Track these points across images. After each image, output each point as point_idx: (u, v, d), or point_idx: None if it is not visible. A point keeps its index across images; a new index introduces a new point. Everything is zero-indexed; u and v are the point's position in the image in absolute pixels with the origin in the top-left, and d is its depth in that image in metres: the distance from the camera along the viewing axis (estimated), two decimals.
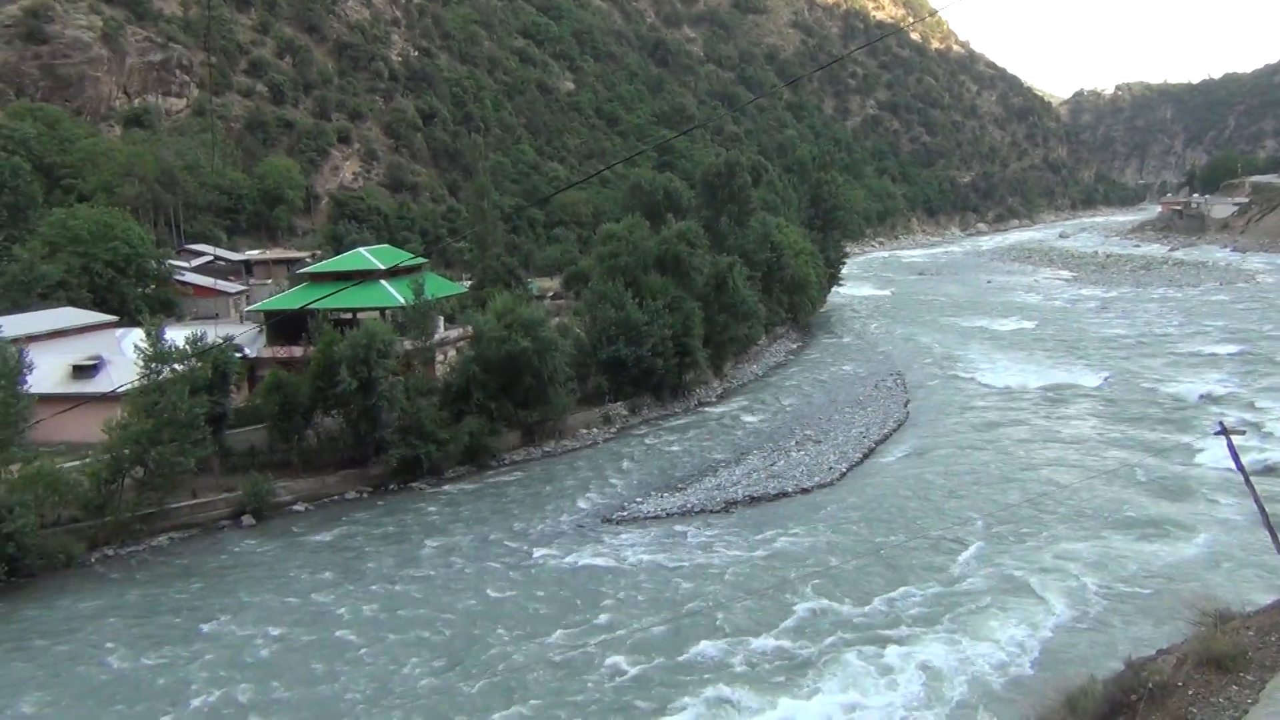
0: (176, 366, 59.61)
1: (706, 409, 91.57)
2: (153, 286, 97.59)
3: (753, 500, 63.53)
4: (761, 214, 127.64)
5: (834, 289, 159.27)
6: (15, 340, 61.53)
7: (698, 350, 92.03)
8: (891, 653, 41.72)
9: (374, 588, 51.33)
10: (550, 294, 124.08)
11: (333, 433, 69.84)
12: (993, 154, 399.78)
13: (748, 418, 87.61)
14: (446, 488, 68.52)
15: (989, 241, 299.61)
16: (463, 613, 47.92)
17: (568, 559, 54.74)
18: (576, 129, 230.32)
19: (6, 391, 55.50)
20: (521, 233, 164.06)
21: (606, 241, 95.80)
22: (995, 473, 66.31)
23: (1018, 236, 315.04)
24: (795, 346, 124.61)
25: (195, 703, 40.14)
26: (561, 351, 77.83)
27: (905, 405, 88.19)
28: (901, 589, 47.92)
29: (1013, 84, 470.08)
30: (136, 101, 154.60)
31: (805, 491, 64.95)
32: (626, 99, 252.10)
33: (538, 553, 55.73)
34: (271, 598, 50.54)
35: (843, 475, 68.07)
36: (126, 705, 40.28)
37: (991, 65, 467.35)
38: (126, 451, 57.28)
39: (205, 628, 47.24)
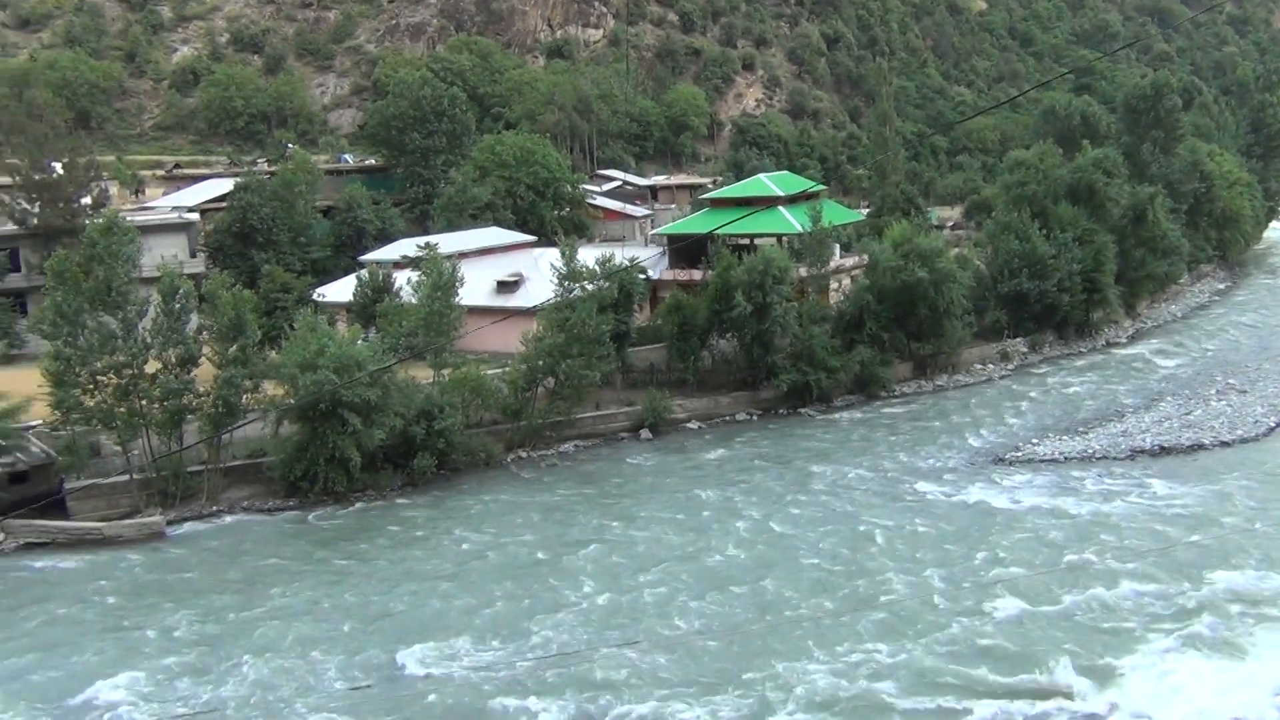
0: (587, 285, 63.29)
1: (1115, 350, 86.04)
2: (567, 209, 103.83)
3: (1162, 450, 59.22)
4: (1191, 140, 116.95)
5: (1272, 224, 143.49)
6: (450, 256, 67.64)
7: (1108, 287, 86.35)
8: None
9: (758, 509, 52.65)
10: (950, 224, 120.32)
11: (727, 355, 71.86)
12: None
13: (1162, 361, 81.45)
14: (835, 415, 68.82)
15: None
16: (844, 541, 48.23)
17: (955, 496, 53.59)
18: (987, 50, 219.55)
19: (443, 303, 61.25)
20: (923, 160, 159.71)
21: (1014, 169, 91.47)
22: None
23: None
24: (1222, 287, 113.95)
25: (587, 589, 43.10)
26: (959, 283, 75.52)
27: None
28: None
29: None
30: (559, 33, 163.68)
31: (1225, 445, 59.74)
32: (1043, 17, 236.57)
33: (924, 487, 54.94)
34: (665, 508, 53.10)
35: (1271, 430, 61.90)
36: (530, 583, 43.94)
37: None
38: (540, 363, 61.79)
39: (610, 528, 50.43)
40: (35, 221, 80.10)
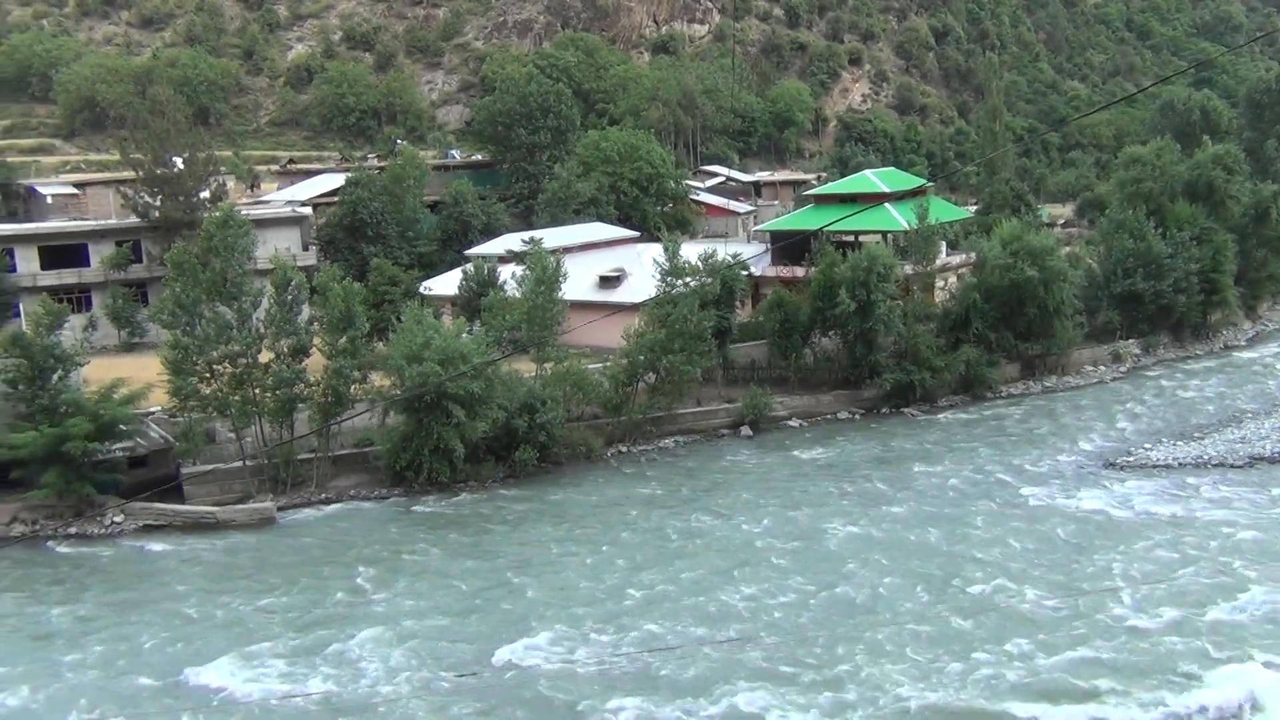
0: (689, 281, 63.29)
1: (1233, 353, 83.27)
2: (670, 205, 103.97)
3: None
4: None
5: None
6: (553, 251, 68.18)
7: (1227, 288, 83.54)
8: None
9: (861, 508, 52.12)
10: (1061, 221, 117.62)
11: (829, 353, 71.26)
12: None
13: None
14: (939, 416, 67.77)
15: None
16: (947, 543, 47.47)
17: (1063, 501, 52.34)
18: (1102, 44, 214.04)
19: (546, 297, 61.81)
20: (1033, 156, 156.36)
21: (1129, 166, 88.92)
22: None
23: None
24: None
25: (684, 584, 43.12)
26: (1070, 282, 73.79)
27: None
28: None
29: None
30: (664, 29, 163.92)
31: None
32: (1162, 8, 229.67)
33: (1030, 491, 53.78)
34: (765, 506, 52.85)
35: None
36: (627, 578, 44.15)
37: None
38: (641, 358, 61.99)
39: (709, 524, 50.43)
40: (157, 214, 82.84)
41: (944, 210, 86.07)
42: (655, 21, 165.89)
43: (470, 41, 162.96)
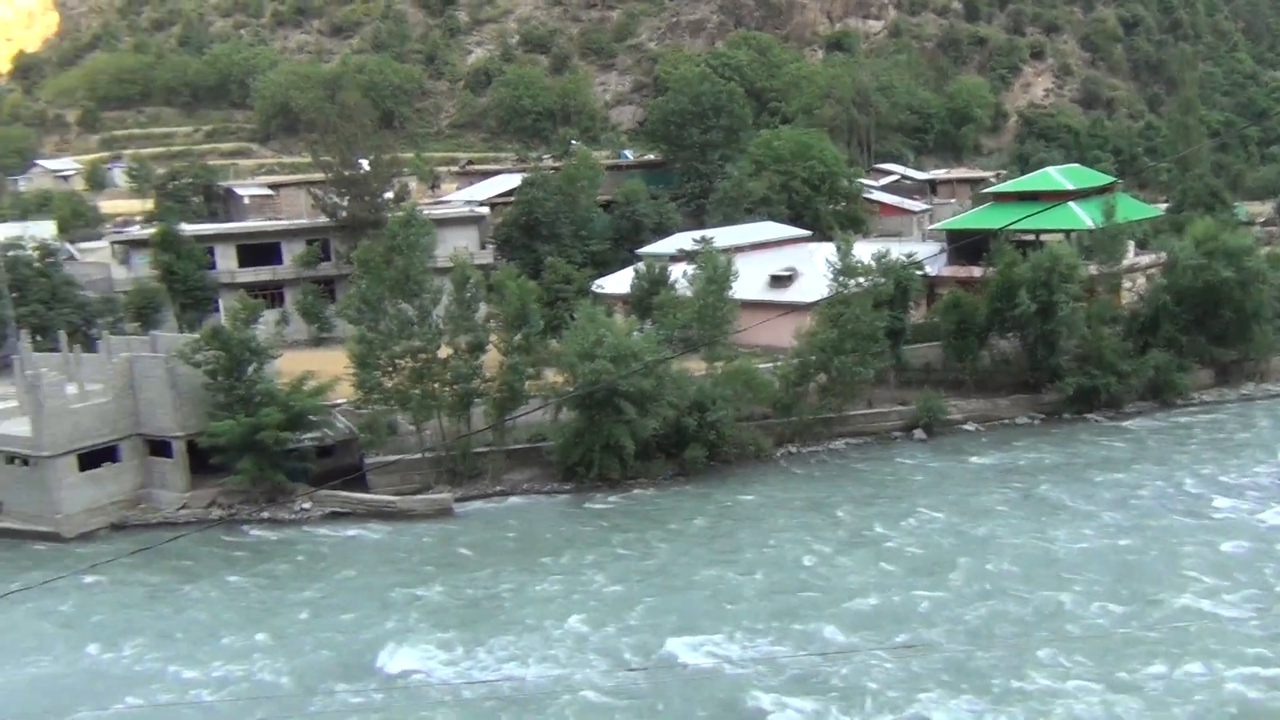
0: (861, 281, 62.42)
1: None
2: (843, 203, 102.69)
3: None
4: None
5: None
6: (725, 250, 68.17)
7: None
8: None
9: (1040, 516, 50.42)
10: (1260, 220, 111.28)
11: (1007, 355, 69.17)
12: None
13: None
14: (1124, 423, 64.96)
15: None
16: (1133, 555, 45.51)
17: (1260, 514, 49.54)
18: None
19: (717, 295, 61.88)
20: (1230, 151, 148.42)
21: None
22: None
23: None
24: None
25: (853, 588, 42.55)
26: (1271, 285, 69.70)
27: None
28: None
29: None
30: (838, 26, 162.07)
31: None
32: None
33: (1224, 504, 51.07)
34: (937, 510, 51.67)
35: None
36: (796, 578, 43.84)
37: None
38: (813, 358, 61.43)
39: (879, 528, 49.68)
40: (344, 214, 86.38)
41: (1132, 208, 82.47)
42: (829, 18, 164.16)
43: (644, 42, 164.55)
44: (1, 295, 71.68)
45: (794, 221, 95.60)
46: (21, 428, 56.29)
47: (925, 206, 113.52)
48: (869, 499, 54.07)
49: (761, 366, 62.60)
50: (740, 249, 76.07)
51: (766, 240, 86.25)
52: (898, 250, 67.59)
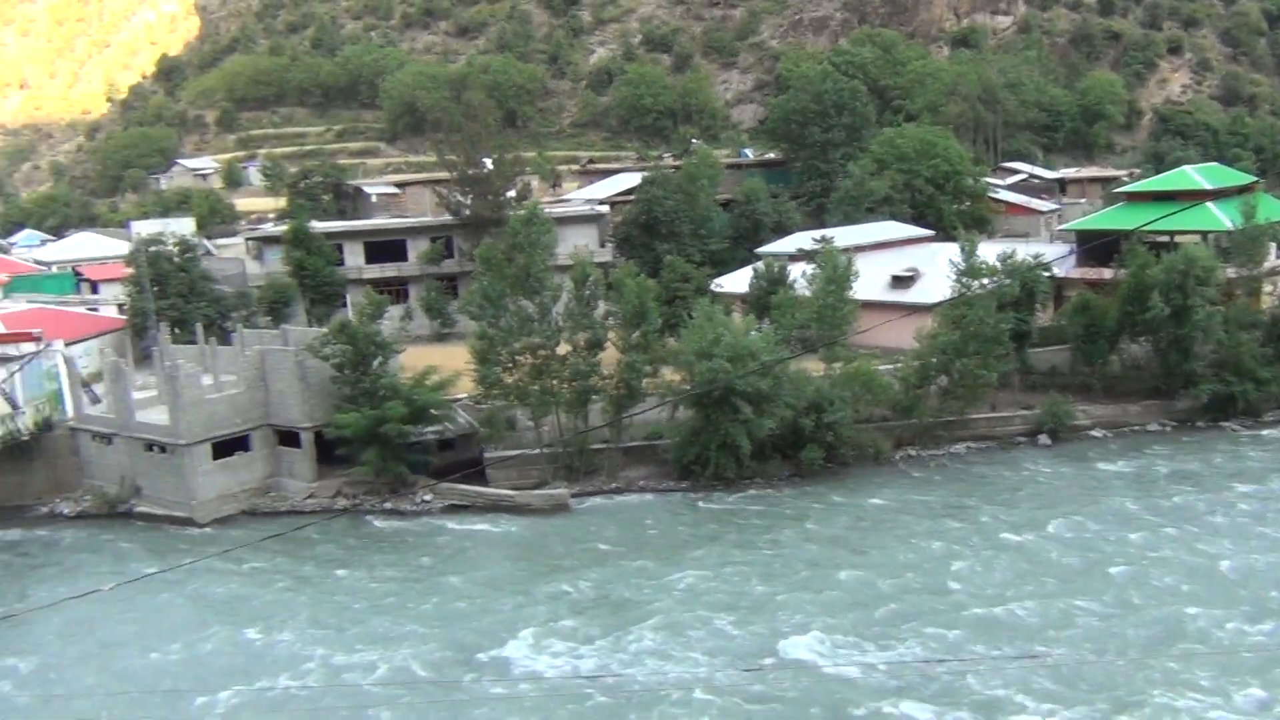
0: (985, 282, 61.15)
1: None
2: (968, 203, 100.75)
3: None
4: None
5: None
6: (845, 250, 67.42)
7: None
8: None
9: (1170, 526, 48.72)
10: None
11: (1138, 360, 67.04)
12: None
13: None
14: (1264, 432, 62.37)
15: None
16: (1273, 569, 43.68)
17: None
18: None
19: (837, 295, 61.29)
20: None
21: None
22: None
23: None
24: None
25: (971, 594, 41.72)
26: None
27: None
28: None
29: None
30: (965, 22, 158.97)
31: None
32: None
33: None
34: (1061, 518, 50.28)
35: None
36: (911, 583, 43.16)
37: None
38: (934, 360, 60.43)
39: (1000, 535, 48.65)
40: (467, 212, 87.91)
41: (1274, 209, 79.15)
42: (956, 14, 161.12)
43: (766, 40, 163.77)
44: (144, 289, 74.72)
45: (917, 221, 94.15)
46: (160, 416, 58.65)
47: (1054, 206, 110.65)
48: (989, 504, 52.92)
49: (881, 368, 61.78)
50: (861, 249, 75.22)
51: (888, 240, 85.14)
52: (1024, 251, 66.00)
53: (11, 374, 60.62)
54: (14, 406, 60.24)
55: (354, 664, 39.94)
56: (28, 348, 61.90)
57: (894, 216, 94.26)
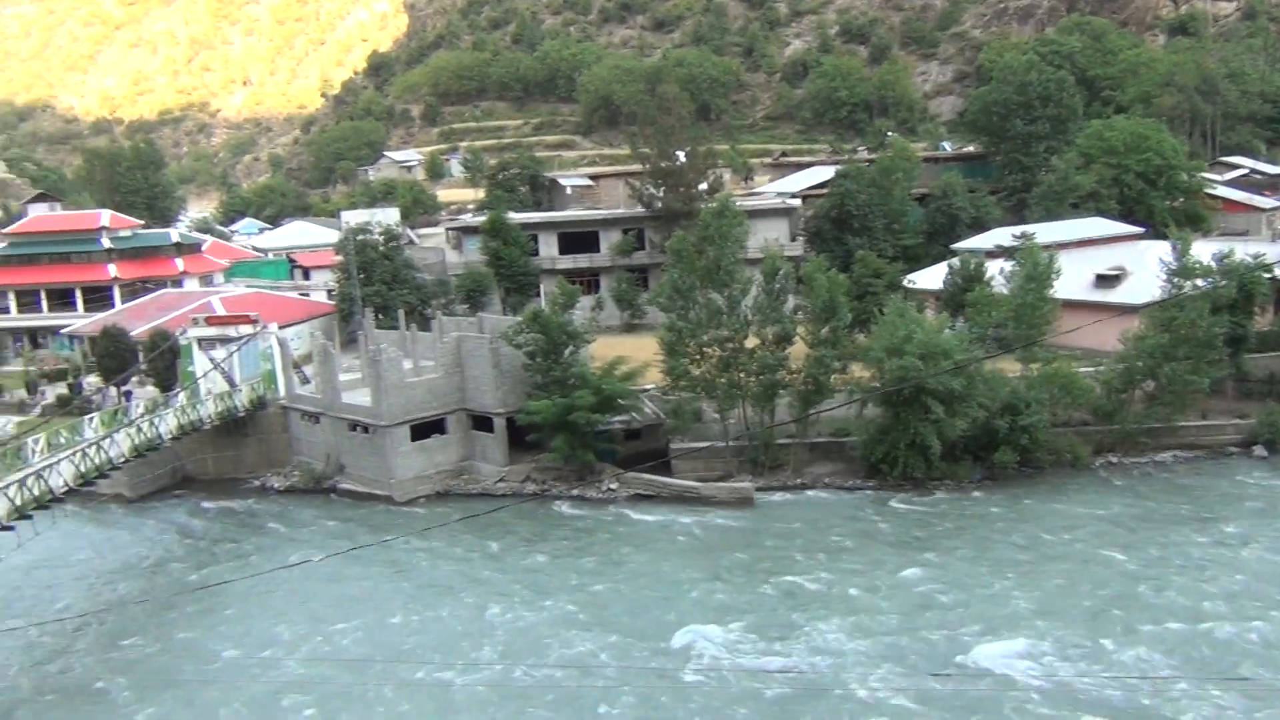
0: (1199, 282, 58.04)
1: None
2: (1181, 199, 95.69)
3: None
4: None
5: None
6: (1047, 246, 65.01)
7: None
8: None
9: None
10: None
11: None
12: None
13: None
14: None
15: None
16: None
17: None
18: None
19: (1036, 294, 59.18)
20: None
21: None
22: None
23: None
24: None
25: (1171, 611, 39.69)
26: None
27: None
28: None
29: None
30: (1183, 8, 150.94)
31: None
32: None
33: None
34: (1273, 537, 47.34)
35: None
36: (1110, 596, 41.37)
37: None
38: (1140, 364, 57.72)
39: (1208, 551, 46.15)
40: (659, 205, 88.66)
41: None
42: (1173, 1, 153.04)
43: (968, 30, 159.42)
44: (351, 276, 78.25)
45: (1124, 218, 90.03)
46: (364, 398, 61.39)
47: (1276, 204, 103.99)
48: (1196, 518, 50.18)
49: (1082, 370, 59.39)
50: (1063, 246, 72.52)
51: (1093, 237, 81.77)
52: (1242, 250, 62.35)
53: (230, 354, 64.53)
54: (231, 384, 64.11)
55: (574, 643, 40.72)
56: (246, 329, 65.72)
57: (1100, 212, 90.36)
